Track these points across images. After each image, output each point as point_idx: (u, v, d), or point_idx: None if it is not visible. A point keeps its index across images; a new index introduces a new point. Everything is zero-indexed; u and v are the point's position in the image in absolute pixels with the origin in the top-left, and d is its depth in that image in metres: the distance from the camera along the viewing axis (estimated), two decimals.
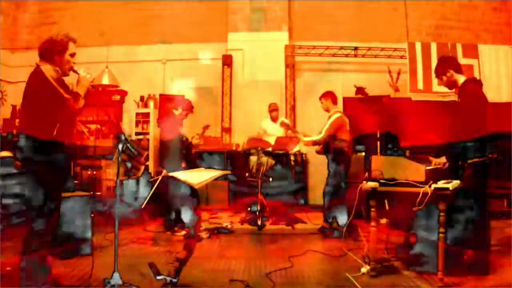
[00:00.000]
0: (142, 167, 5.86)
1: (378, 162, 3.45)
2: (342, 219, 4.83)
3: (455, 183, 2.97)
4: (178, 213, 4.94)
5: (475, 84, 3.53)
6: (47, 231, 2.74)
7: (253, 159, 5.89)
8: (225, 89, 7.79)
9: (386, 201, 4.18)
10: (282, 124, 5.85)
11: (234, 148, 7.17)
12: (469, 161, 3.23)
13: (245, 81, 7.77)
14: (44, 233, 2.72)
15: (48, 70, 2.75)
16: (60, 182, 2.93)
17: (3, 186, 4.32)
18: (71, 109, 2.79)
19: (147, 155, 6.87)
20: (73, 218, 3.68)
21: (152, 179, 5.60)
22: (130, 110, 7.84)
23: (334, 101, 5.28)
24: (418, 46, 7.09)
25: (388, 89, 7.32)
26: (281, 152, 5.88)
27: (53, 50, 2.82)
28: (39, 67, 2.77)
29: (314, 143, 5.16)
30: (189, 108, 5.30)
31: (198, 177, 3.53)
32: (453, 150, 3.36)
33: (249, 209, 5.75)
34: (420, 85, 6.99)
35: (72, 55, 2.88)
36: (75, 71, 2.92)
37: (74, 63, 2.91)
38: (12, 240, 3.51)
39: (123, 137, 2.93)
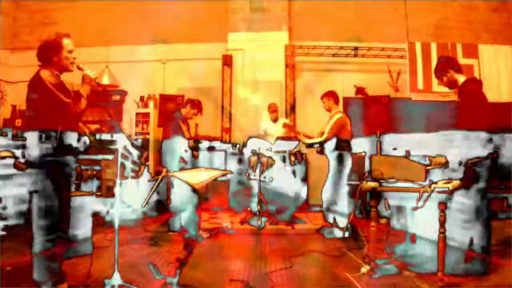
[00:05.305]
0: (142, 167, 5.85)
1: (378, 162, 3.43)
2: (342, 219, 4.83)
3: (455, 183, 2.97)
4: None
5: (475, 84, 3.53)
6: (58, 230, 2.75)
7: (253, 159, 5.89)
8: (225, 89, 7.78)
9: (386, 201, 4.17)
10: (284, 125, 5.91)
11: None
12: (469, 161, 3.23)
13: (245, 81, 7.76)
14: (54, 232, 2.73)
15: (47, 76, 2.74)
16: (68, 182, 2.92)
17: (3, 186, 4.30)
18: (72, 113, 2.78)
19: (147, 155, 6.86)
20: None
21: (152, 179, 5.60)
22: (130, 110, 7.84)
23: (336, 101, 5.28)
24: (418, 46, 7.10)
25: (388, 89, 7.32)
26: (281, 152, 5.87)
27: (49, 52, 2.80)
28: (38, 73, 2.75)
29: (316, 144, 5.16)
30: (198, 107, 5.33)
31: (198, 177, 3.53)
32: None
33: (249, 209, 5.76)
34: (420, 85, 7.00)
35: (70, 51, 2.85)
36: (80, 69, 2.90)
37: (75, 58, 2.87)
38: (12, 240, 3.50)
39: (123, 137, 2.93)
